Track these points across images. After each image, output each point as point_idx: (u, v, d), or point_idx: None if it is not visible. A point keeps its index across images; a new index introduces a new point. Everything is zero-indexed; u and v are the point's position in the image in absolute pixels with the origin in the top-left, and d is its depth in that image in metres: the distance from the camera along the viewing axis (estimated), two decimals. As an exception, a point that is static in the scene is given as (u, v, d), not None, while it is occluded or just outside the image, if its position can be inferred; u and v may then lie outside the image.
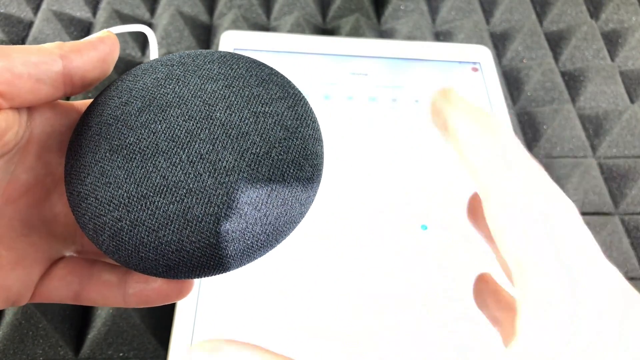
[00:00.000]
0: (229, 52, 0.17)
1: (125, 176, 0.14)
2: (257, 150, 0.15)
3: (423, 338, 0.27)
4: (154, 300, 0.18)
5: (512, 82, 0.41)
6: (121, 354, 0.27)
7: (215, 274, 0.15)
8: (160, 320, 0.28)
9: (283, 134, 0.15)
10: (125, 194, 0.14)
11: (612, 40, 0.44)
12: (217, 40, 0.40)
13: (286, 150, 0.15)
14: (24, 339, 0.27)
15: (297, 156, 0.15)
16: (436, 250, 0.29)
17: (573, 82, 0.41)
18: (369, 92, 0.35)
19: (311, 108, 0.17)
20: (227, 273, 0.16)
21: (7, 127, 0.15)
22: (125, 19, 0.40)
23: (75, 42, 0.16)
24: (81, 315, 0.28)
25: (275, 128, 0.15)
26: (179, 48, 0.39)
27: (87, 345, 0.27)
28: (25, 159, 0.17)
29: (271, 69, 0.17)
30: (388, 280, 0.28)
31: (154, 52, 0.20)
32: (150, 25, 0.41)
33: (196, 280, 0.27)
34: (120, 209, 0.14)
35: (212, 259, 0.15)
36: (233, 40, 0.36)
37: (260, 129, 0.15)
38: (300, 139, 0.15)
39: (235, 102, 0.15)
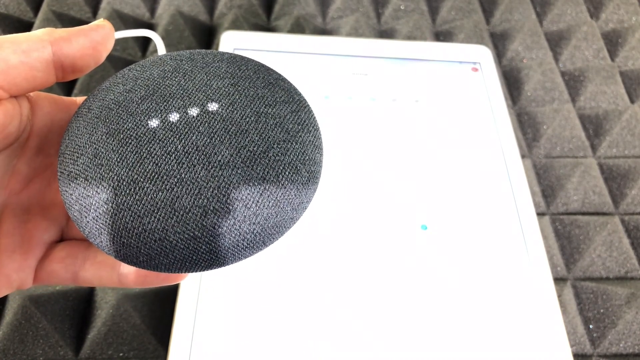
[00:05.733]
0: (240, 55, 0.17)
1: (118, 159, 0.14)
2: (255, 149, 0.15)
3: (422, 338, 0.27)
4: (151, 280, 0.18)
5: (512, 82, 0.41)
6: (121, 354, 0.27)
7: (198, 270, 0.15)
8: (160, 320, 0.28)
9: (283, 136, 0.15)
10: (115, 177, 0.14)
11: (612, 40, 0.44)
12: (217, 40, 0.40)
13: (284, 152, 0.15)
14: (24, 339, 0.27)
15: (294, 160, 0.15)
16: (436, 251, 0.29)
17: (573, 82, 0.41)
18: (369, 92, 0.35)
19: (314, 116, 0.17)
20: (211, 271, 0.15)
21: (8, 119, 0.15)
22: (125, 19, 0.40)
23: (65, 29, 0.16)
24: (81, 315, 0.28)
25: (275, 129, 0.15)
26: (179, 48, 0.39)
27: (87, 345, 0.27)
28: (26, 152, 0.17)
29: (279, 74, 0.17)
30: (388, 280, 0.28)
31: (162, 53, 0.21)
32: (150, 25, 0.41)
33: (197, 278, 0.27)
34: (108, 191, 0.14)
35: (195, 252, 0.14)
36: (233, 40, 0.36)
37: (261, 128, 0.15)
38: (300, 144, 0.15)
39: (239, 100, 0.15)
